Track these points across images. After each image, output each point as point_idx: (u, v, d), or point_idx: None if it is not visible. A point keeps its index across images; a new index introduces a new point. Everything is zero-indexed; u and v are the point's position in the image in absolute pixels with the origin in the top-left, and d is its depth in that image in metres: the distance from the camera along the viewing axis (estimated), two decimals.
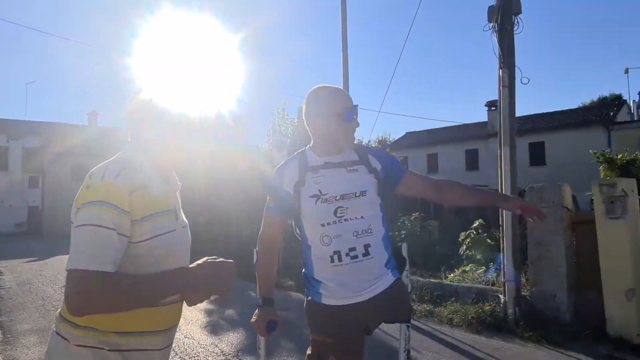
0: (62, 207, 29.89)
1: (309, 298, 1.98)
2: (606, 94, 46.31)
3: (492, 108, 26.08)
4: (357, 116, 1.94)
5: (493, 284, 6.19)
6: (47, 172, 31.30)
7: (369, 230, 1.88)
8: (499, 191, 5.70)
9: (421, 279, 6.85)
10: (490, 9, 5.85)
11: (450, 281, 6.75)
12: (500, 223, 5.71)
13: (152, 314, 1.35)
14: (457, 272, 7.17)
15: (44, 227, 29.53)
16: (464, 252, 8.08)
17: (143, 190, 1.33)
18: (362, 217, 1.88)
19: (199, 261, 1.30)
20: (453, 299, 6.11)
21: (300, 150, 2.03)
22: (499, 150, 5.75)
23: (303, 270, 2.05)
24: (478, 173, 25.12)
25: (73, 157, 30.17)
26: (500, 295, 5.60)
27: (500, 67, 5.71)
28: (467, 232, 8.40)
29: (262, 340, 2.12)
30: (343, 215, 1.87)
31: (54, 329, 1.38)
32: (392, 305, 1.93)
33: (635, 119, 24.78)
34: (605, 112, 23.00)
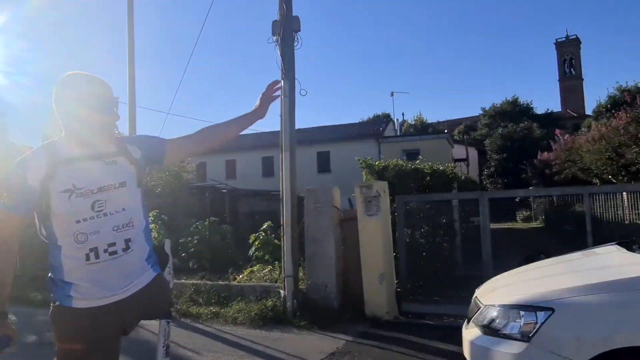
0: None
1: (56, 303, 1.78)
2: (379, 112, 54.79)
3: None
4: (117, 109, 1.87)
5: (277, 281, 6.59)
6: None
7: (130, 224, 1.82)
8: (281, 198, 6.12)
9: (209, 282, 6.85)
10: (274, 23, 6.26)
11: (238, 282, 6.93)
12: (282, 223, 6.13)
13: None
14: (245, 273, 7.40)
15: None
16: (253, 253, 8.39)
17: None
18: (123, 209, 1.81)
19: None
20: (239, 298, 6.28)
21: (48, 141, 1.82)
22: (280, 155, 6.17)
23: (49, 274, 1.84)
24: (274, 179, 26.45)
25: None
26: (281, 291, 5.99)
27: (282, 78, 6.16)
28: (257, 234, 8.76)
29: None
30: (102, 209, 1.76)
31: None
32: (153, 301, 1.89)
33: (399, 134, 29.69)
34: (376, 127, 26.96)
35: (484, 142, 37.84)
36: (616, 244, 3.18)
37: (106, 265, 1.75)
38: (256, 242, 8.54)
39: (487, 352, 2.47)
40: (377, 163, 6.65)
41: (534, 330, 2.30)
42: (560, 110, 59.12)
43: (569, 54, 65.00)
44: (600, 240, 5.47)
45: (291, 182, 6.07)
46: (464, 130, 51.64)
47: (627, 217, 7.20)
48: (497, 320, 2.51)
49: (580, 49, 63.91)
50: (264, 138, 29.38)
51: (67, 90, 1.79)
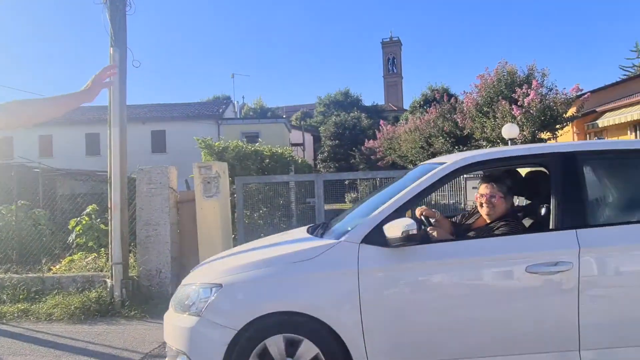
0: None
1: None
2: (219, 93, 53.62)
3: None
4: None
5: (102, 270, 5.99)
6: None
7: None
8: (109, 178, 5.55)
9: (16, 276, 5.89)
10: None
11: (54, 273, 6.10)
12: (109, 206, 5.56)
13: None
14: (63, 262, 6.55)
15: None
16: (74, 240, 7.47)
17: None
18: None
19: None
20: (55, 292, 5.54)
21: None
22: (109, 131, 5.57)
23: None
24: (99, 158, 23.90)
25: None
26: (107, 280, 5.46)
27: (112, 45, 5.53)
28: (79, 219, 7.81)
29: None
30: None
31: None
32: None
33: (239, 116, 29.54)
34: (216, 108, 26.32)
35: (319, 128, 40.09)
36: (309, 226, 3.44)
37: None
38: (77, 228, 7.62)
39: (174, 329, 2.68)
40: (216, 144, 6.48)
41: (205, 305, 2.51)
42: (383, 103, 65.86)
43: (392, 53, 72.57)
44: None
45: (121, 161, 5.52)
46: (301, 117, 53.97)
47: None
48: (188, 299, 2.65)
49: (401, 49, 71.85)
50: (88, 112, 26.31)
51: None
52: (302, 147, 27.58)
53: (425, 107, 26.96)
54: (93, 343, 4.23)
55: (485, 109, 10.74)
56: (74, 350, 4.11)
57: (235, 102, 30.52)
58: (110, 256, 5.51)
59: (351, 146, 31.11)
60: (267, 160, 7.97)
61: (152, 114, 24.33)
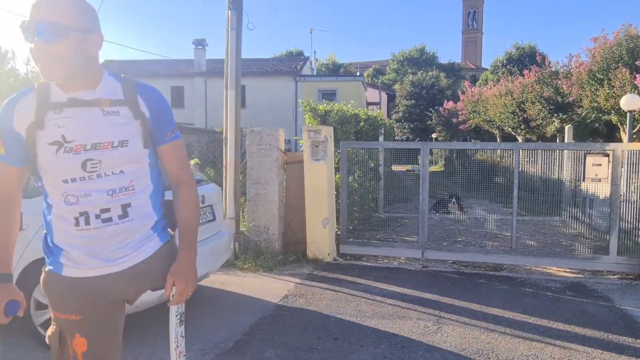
0: None
1: (48, 269, 1.57)
2: (292, 48, 53.49)
3: (199, 47, 26.13)
4: (38, 37, 1.36)
5: None
6: None
7: (130, 187, 1.54)
8: (224, 138, 5.84)
9: None
10: None
11: None
12: (224, 164, 5.90)
13: None
14: None
15: None
16: None
17: None
18: (121, 171, 1.52)
19: None
20: None
21: (43, 80, 1.48)
22: (225, 93, 5.82)
23: (44, 233, 1.60)
24: (183, 111, 25.07)
25: None
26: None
27: (229, 8, 5.68)
28: None
29: None
30: (95, 170, 1.48)
31: None
32: (157, 273, 1.63)
33: (315, 73, 29.46)
34: (294, 65, 26.38)
35: (394, 87, 39.14)
36: None
37: (98, 232, 1.51)
38: None
39: None
40: (320, 107, 6.57)
41: None
42: (461, 61, 62.58)
43: (473, 6, 68.05)
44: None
45: (235, 122, 5.80)
46: (373, 74, 52.81)
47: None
48: None
49: (483, 2, 67.13)
50: (173, 66, 27.44)
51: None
52: (378, 106, 27.17)
53: (508, 67, 25.37)
54: (221, 290, 4.63)
55: (599, 75, 9.86)
56: (205, 296, 4.54)
57: (313, 59, 30.37)
58: (224, 211, 5.90)
59: (428, 107, 30.18)
60: (362, 124, 7.99)
61: None
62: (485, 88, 19.49)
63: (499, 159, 7.95)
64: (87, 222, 1.50)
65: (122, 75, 1.62)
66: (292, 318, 3.92)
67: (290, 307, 4.19)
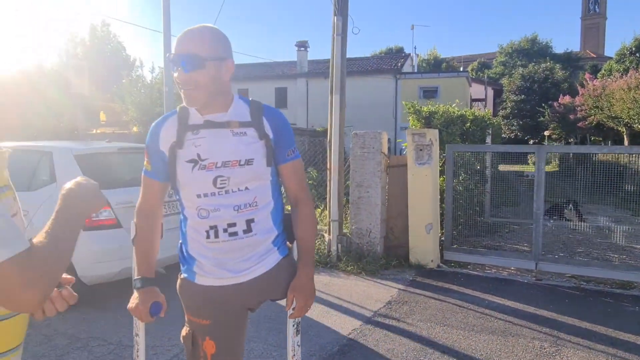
0: None
1: (183, 276, 1.74)
2: (392, 45, 52.83)
3: (302, 48, 26.95)
4: (182, 67, 1.51)
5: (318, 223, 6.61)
6: None
7: (254, 204, 1.65)
8: (328, 142, 5.96)
9: None
10: None
11: None
12: (328, 167, 6.02)
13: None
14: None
15: None
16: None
17: None
18: (246, 188, 1.63)
19: (69, 184, 1.15)
20: None
21: (184, 104, 1.65)
22: (330, 97, 5.93)
23: (179, 242, 1.77)
24: (286, 111, 26.06)
25: None
26: (325, 234, 6.02)
27: (335, 14, 5.77)
28: None
29: (141, 326, 1.79)
30: (224, 187, 1.60)
31: None
32: (277, 285, 1.75)
33: (415, 70, 28.84)
34: (394, 62, 26.06)
35: (501, 81, 36.89)
36: None
37: (226, 245, 1.64)
38: None
39: None
40: (424, 108, 6.42)
41: None
42: (579, 50, 57.06)
43: None
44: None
45: (340, 126, 5.89)
46: (478, 68, 50.24)
47: None
48: None
49: None
50: (277, 68, 28.65)
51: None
52: (483, 102, 25.81)
53: (638, 55, 22.51)
54: (323, 292, 4.74)
55: None
56: None
57: (414, 55, 29.74)
58: (328, 213, 6.04)
59: (540, 102, 27.93)
60: (468, 124, 7.65)
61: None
62: (609, 80, 17.49)
63: (627, 160, 7.11)
64: (217, 235, 1.62)
65: (250, 99, 1.74)
66: (396, 325, 3.89)
67: (393, 314, 4.16)
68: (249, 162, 1.62)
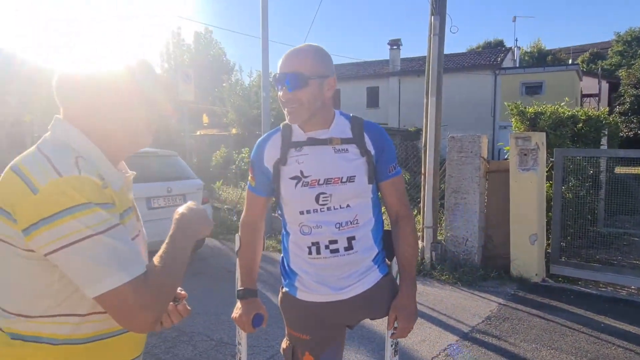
0: None
1: (285, 290, 1.77)
2: (490, 38, 49.96)
3: (394, 47, 26.56)
4: (286, 86, 1.53)
5: None
6: None
7: (355, 221, 1.63)
8: (423, 145, 5.78)
9: None
10: None
11: None
12: (423, 172, 5.85)
13: (123, 342, 1.10)
14: None
15: None
16: None
17: (108, 184, 1.02)
18: (347, 205, 1.62)
19: (181, 208, 1.18)
20: None
21: (287, 122, 1.68)
22: (425, 100, 5.75)
23: (281, 256, 1.81)
24: (378, 110, 25.88)
25: None
26: (419, 241, 5.85)
27: (432, 14, 5.58)
28: None
29: (243, 336, 1.86)
30: (326, 204, 1.60)
31: None
32: (377, 304, 1.72)
33: (517, 64, 27.00)
34: (493, 57, 24.63)
35: (617, 73, 33.30)
36: None
37: (327, 262, 1.63)
38: None
39: None
40: (529, 109, 5.96)
41: None
42: None
43: None
44: None
45: (436, 130, 5.68)
46: (589, 59, 45.83)
47: None
48: None
49: None
50: (369, 67, 28.55)
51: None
52: (596, 98, 23.45)
53: None
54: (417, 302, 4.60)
55: None
56: None
57: (515, 49, 27.89)
58: (422, 219, 5.86)
59: None
60: (580, 125, 6.96)
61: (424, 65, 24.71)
62: None
63: None
64: (318, 252, 1.63)
65: (351, 115, 1.72)
66: (497, 344, 3.65)
67: (493, 331, 3.91)
68: (350, 179, 1.61)
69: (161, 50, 20.59)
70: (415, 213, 6.90)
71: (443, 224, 6.03)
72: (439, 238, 5.93)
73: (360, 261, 1.66)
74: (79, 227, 0.90)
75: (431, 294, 4.85)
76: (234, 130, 15.13)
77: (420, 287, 5.08)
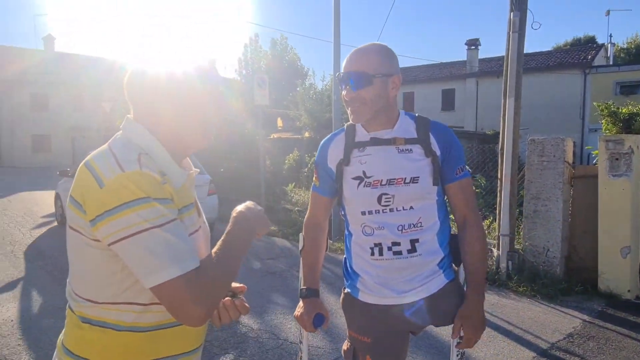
0: (21, 138, 28.34)
1: (347, 291, 1.75)
2: (580, 35, 46.43)
3: (472, 47, 25.61)
4: (350, 85, 1.52)
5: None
6: (2, 100, 29.21)
7: (418, 224, 1.58)
8: (500, 148, 5.49)
9: None
10: None
11: None
12: (499, 176, 5.55)
13: (184, 333, 1.13)
14: None
15: (4, 159, 28.10)
16: None
17: (168, 180, 1.06)
18: (410, 207, 1.57)
19: (240, 207, 1.20)
20: None
21: (351, 122, 1.67)
22: (503, 101, 5.46)
23: (344, 256, 1.80)
24: (454, 113, 25.08)
25: (30, 85, 28.16)
26: (493, 249, 5.57)
27: (512, 10, 5.29)
28: None
29: (305, 335, 1.88)
30: (388, 205, 1.57)
31: None
32: (442, 310, 1.64)
33: (611, 62, 24.88)
34: (583, 55, 22.88)
35: None
36: None
37: (390, 264, 1.59)
38: None
39: None
40: (623, 110, 5.44)
41: None
42: None
43: None
44: None
45: (514, 132, 5.37)
46: None
47: None
48: None
49: None
50: (444, 69, 27.78)
51: None
52: None
53: None
54: (491, 314, 4.38)
55: None
56: None
57: (609, 45, 25.71)
58: (497, 226, 5.57)
59: None
60: None
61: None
62: None
63: None
64: (381, 253, 1.60)
65: (416, 115, 1.68)
66: None
67: (576, 350, 3.61)
68: (414, 180, 1.56)
69: (239, 57, 21.49)
70: (490, 219, 6.58)
71: (521, 232, 5.68)
72: (516, 247, 5.59)
73: (424, 265, 1.61)
74: (138, 220, 0.94)
75: (507, 306, 4.58)
76: (306, 134, 15.40)
77: (494, 298, 4.82)
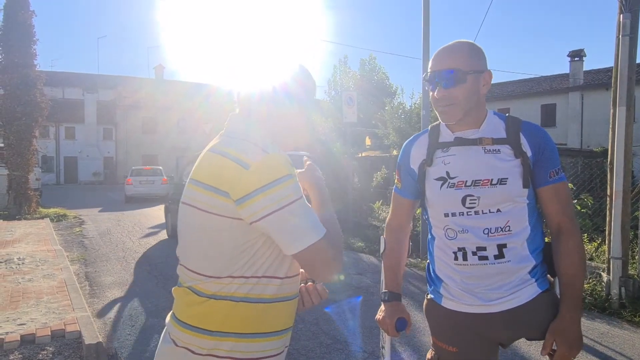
0: (134, 158, 31.52)
1: (429, 296, 1.69)
2: None
3: (576, 58, 23.87)
4: (442, 84, 1.48)
5: (591, 259, 5.61)
6: (119, 124, 32.82)
7: (507, 228, 1.48)
8: (609, 163, 5.01)
9: None
10: None
11: None
12: (609, 193, 5.06)
13: (283, 310, 1.23)
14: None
15: (118, 177, 31.39)
16: None
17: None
18: (498, 210, 1.48)
19: (309, 171, 1.36)
20: None
21: (435, 123, 1.65)
22: (612, 110, 5.00)
23: (427, 262, 1.75)
24: (555, 130, 23.37)
25: (143, 110, 31.39)
26: (602, 273, 5.04)
27: (621, 12, 4.87)
28: None
29: (387, 339, 1.85)
30: (473, 207, 1.49)
31: (179, 344, 1.20)
32: (535, 322, 1.52)
33: None
34: None
35: None
36: None
37: (475, 270, 1.50)
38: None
39: None
40: None
41: None
42: None
43: None
44: None
45: (626, 144, 4.88)
46: None
47: None
48: None
49: None
50: (543, 83, 26.15)
51: None
52: None
53: None
54: (599, 343, 3.95)
55: None
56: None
57: None
58: (607, 249, 5.05)
59: None
60: None
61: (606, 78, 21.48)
62: None
63: None
64: (465, 258, 1.53)
65: (507, 115, 1.61)
66: None
67: None
68: (502, 181, 1.48)
69: (328, 79, 22.05)
70: (600, 242, 6.01)
71: (636, 256, 5.10)
72: (630, 272, 5.01)
73: (513, 272, 1.51)
74: (286, 193, 1.09)
75: (618, 337, 4.11)
76: (394, 152, 15.28)
77: (604, 327, 4.36)
